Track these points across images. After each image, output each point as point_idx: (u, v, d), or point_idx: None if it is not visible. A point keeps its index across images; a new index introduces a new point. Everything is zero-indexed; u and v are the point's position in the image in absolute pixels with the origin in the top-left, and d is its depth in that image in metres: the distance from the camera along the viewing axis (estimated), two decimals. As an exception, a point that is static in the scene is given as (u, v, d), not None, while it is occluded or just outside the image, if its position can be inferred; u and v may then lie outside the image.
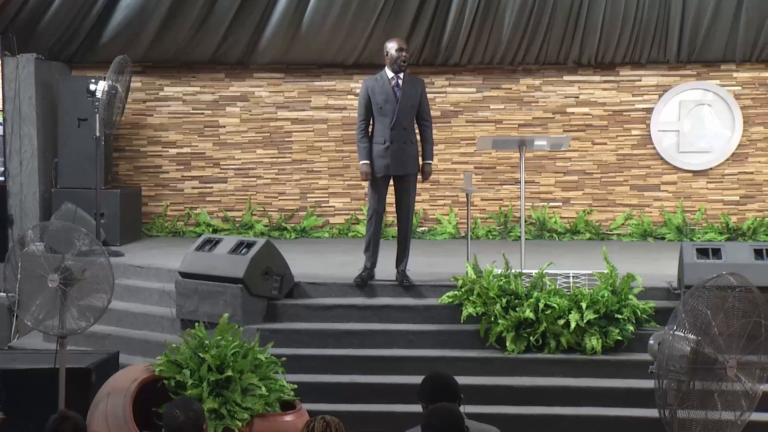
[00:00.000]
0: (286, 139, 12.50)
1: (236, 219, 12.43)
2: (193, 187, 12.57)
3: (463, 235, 11.52)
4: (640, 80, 12.18)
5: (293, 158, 12.50)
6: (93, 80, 10.45)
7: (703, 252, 8.27)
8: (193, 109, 12.55)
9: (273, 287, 8.65)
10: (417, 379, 5.40)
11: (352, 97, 12.44)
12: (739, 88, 12.06)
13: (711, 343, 5.23)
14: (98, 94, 10.36)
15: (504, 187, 12.23)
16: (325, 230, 12.38)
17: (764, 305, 5.07)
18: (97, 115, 10.46)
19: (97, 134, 10.56)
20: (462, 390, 5.23)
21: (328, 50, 12.15)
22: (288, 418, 6.82)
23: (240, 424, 6.67)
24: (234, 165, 12.54)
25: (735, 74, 12.06)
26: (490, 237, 12.08)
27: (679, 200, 12.10)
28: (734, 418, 4.93)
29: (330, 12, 11.77)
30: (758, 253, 8.09)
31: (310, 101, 12.49)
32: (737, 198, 12.10)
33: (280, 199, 12.54)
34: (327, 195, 12.52)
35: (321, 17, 11.80)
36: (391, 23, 11.85)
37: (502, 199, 12.27)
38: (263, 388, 6.83)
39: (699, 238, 11.67)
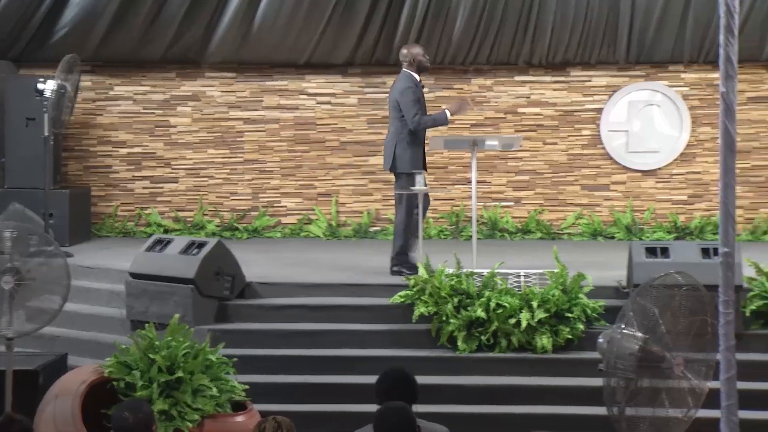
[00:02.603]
0: (238, 139, 12.45)
1: (187, 219, 12.37)
2: (144, 187, 12.48)
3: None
4: (590, 81, 12.29)
5: (245, 158, 12.45)
6: (41, 79, 10.34)
7: (651, 251, 8.34)
8: (143, 109, 12.46)
9: (224, 287, 8.61)
10: (369, 379, 5.40)
11: (305, 96, 12.43)
12: (687, 88, 12.20)
13: (659, 341, 5.29)
14: (47, 94, 10.25)
15: (456, 186, 12.28)
16: (277, 230, 12.35)
17: (711, 303, 5.13)
18: (46, 115, 10.35)
19: (46, 134, 10.45)
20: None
21: (280, 49, 12.12)
22: (239, 418, 6.80)
23: (190, 425, 6.64)
24: (185, 165, 12.46)
25: (683, 75, 12.20)
26: (442, 237, 12.12)
27: (628, 200, 12.22)
28: (681, 415, 4.99)
29: (282, 11, 11.75)
30: (705, 252, 8.18)
31: (262, 101, 12.46)
32: (685, 197, 12.25)
33: (231, 199, 12.49)
34: (279, 195, 12.49)
35: (273, 16, 11.77)
36: (344, 22, 11.85)
37: (453, 199, 12.31)
38: (214, 389, 6.80)
39: (648, 237, 11.79)
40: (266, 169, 12.46)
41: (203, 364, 6.94)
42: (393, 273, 9.05)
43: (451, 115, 9.19)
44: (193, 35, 12.00)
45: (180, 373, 6.79)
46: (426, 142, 9.27)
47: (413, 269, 8.75)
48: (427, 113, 9.18)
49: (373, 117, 12.40)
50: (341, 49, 12.10)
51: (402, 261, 9.07)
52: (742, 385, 4.79)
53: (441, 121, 9.19)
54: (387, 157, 9.19)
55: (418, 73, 9.16)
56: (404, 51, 9.26)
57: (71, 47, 11.42)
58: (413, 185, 8.95)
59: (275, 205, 12.48)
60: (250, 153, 12.44)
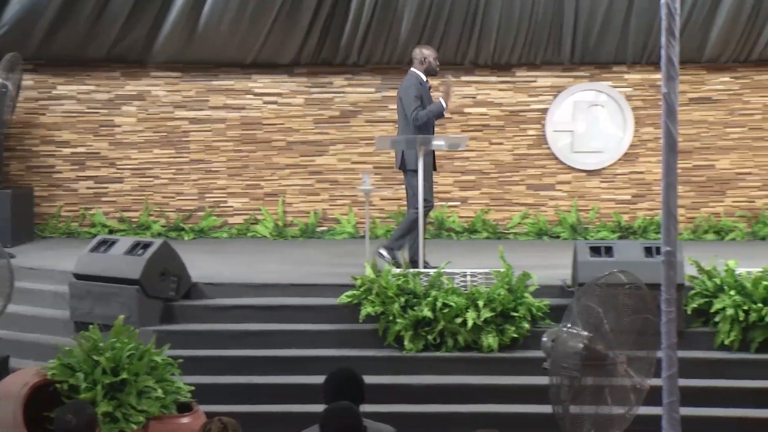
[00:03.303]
0: (184, 139, 12.37)
1: (133, 219, 12.27)
2: (88, 188, 12.35)
3: (362, 234, 11.55)
4: (535, 81, 12.37)
5: (191, 158, 12.38)
6: (-18, 78, 10.20)
7: (595, 250, 8.43)
8: (87, 108, 12.33)
9: (170, 288, 8.56)
10: (316, 379, 5.40)
11: (251, 96, 12.38)
12: (630, 89, 12.34)
13: (602, 339, 5.35)
14: (-12, 93, 10.12)
15: (403, 186, 12.27)
16: (224, 230, 12.29)
17: (652, 302, 5.20)
18: (-13, 114, 10.22)
19: (-13, 133, 10.31)
20: (360, 389, 5.25)
21: (225, 49, 12.06)
22: (184, 420, 6.76)
23: (135, 426, 6.59)
24: (130, 165, 12.36)
25: (626, 76, 12.33)
26: (389, 236, 12.11)
27: (573, 199, 12.33)
28: (623, 412, 5.05)
29: (227, 10, 11.69)
30: (648, 251, 8.28)
31: (208, 101, 12.39)
32: (629, 197, 12.38)
33: (177, 199, 12.41)
34: (225, 195, 12.43)
35: (218, 16, 11.71)
36: (290, 22, 11.81)
37: (400, 199, 12.32)
38: (159, 391, 6.75)
39: (592, 236, 11.90)
40: (212, 169, 12.40)
41: (148, 365, 6.89)
42: (378, 254, 9.06)
43: (445, 102, 9.20)
44: (138, 34, 11.89)
45: (124, 375, 6.73)
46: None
47: (394, 259, 8.90)
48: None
49: (320, 117, 12.39)
50: (287, 48, 12.07)
51: (392, 253, 9.07)
52: (683, 382, 4.86)
53: (437, 110, 9.23)
54: (397, 156, 9.29)
55: (426, 74, 9.27)
56: (417, 50, 9.40)
57: (12, 46, 11.27)
58: (414, 183, 9.01)
59: (222, 205, 12.42)
60: (196, 153, 12.37)
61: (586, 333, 5.43)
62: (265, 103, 12.41)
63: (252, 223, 12.36)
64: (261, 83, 12.39)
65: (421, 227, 8.92)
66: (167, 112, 12.36)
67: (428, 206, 9.26)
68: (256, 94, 12.41)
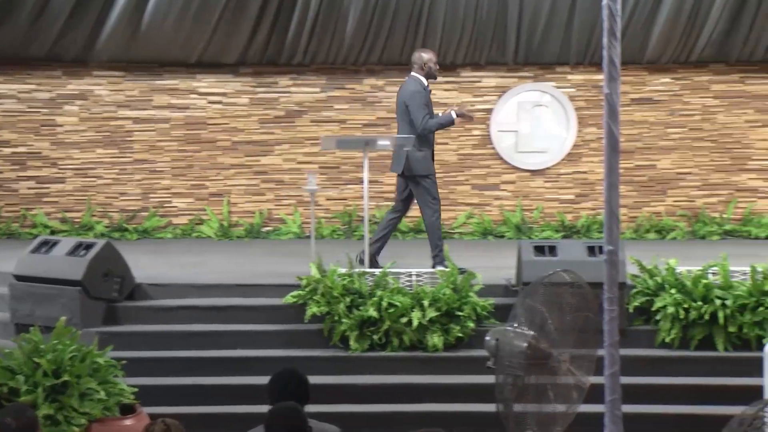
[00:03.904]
0: (127, 139, 12.26)
1: (75, 220, 12.13)
2: (29, 188, 12.20)
3: (308, 234, 11.53)
4: (480, 81, 12.44)
5: (135, 158, 12.27)
6: None
7: (540, 250, 8.48)
8: (28, 108, 12.18)
9: (113, 289, 8.48)
10: (261, 380, 5.38)
11: (196, 96, 12.31)
12: (574, 90, 12.45)
13: (547, 338, 5.40)
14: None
15: (348, 186, 12.31)
16: (168, 231, 12.20)
17: (593, 300, 5.25)
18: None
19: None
20: (306, 389, 5.24)
21: (170, 48, 11.97)
22: (127, 422, 6.71)
23: (76, 429, 6.53)
24: (72, 165, 12.22)
25: (569, 76, 12.44)
26: (335, 236, 12.13)
27: (517, 199, 12.41)
28: (565, 410, 5.10)
29: (171, 9, 11.60)
30: (591, 251, 8.35)
31: (152, 100, 12.29)
32: (572, 197, 12.49)
33: (121, 200, 12.29)
34: (170, 195, 12.34)
35: (162, 14, 11.62)
36: (235, 21, 11.76)
37: (346, 199, 12.34)
38: (102, 393, 6.69)
39: (537, 236, 11.98)
40: (156, 169, 12.30)
41: (90, 367, 6.82)
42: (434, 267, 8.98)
43: (457, 115, 9.18)
44: (80, 33, 11.76)
45: (66, 377, 6.66)
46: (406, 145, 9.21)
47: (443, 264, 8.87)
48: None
49: (265, 117, 12.35)
50: (232, 48, 12.01)
51: (441, 258, 9.01)
52: (625, 379, 4.91)
53: (447, 122, 9.21)
54: (397, 161, 9.19)
55: (427, 78, 9.18)
56: (417, 54, 9.28)
57: (-48, 44, 11.11)
58: (425, 186, 9.04)
59: (166, 205, 12.33)
60: (139, 153, 12.26)
61: (530, 332, 5.47)
62: (209, 102, 12.34)
63: (197, 224, 12.28)
64: (206, 83, 12.32)
65: (367, 227, 8.93)
66: (110, 111, 12.24)
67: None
68: (200, 94, 12.33)
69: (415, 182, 9.15)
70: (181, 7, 11.59)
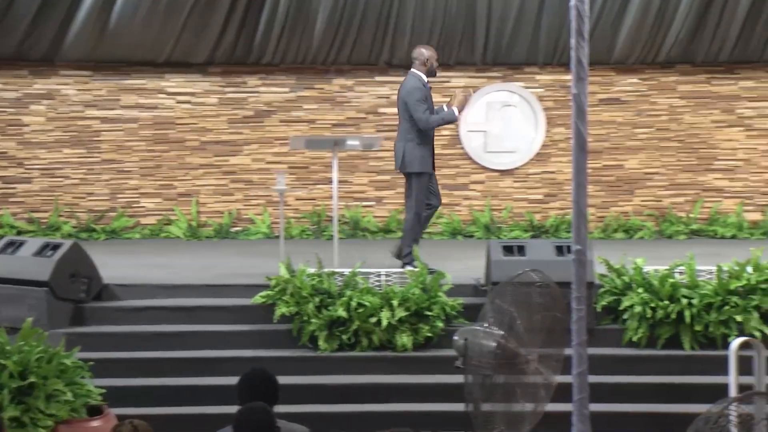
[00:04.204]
0: (95, 139, 12.19)
1: (42, 220, 12.04)
2: (-4, 188, 12.12)
3: (277, 235, 11.51)
4: (449, 81, 12.45)
5: (102, 158, 12.20)
6: None
7: (508, 249, 8.51)
8: (-6, 107, 12.10)
9: (80, 290, 8.42)
10: (230, 380, 5.37)
11: (164, 95, 12.26)
12: (542, 90, 12.50)
13: (515, 337, 5.42)
14: None
15: (317, 186, 12.29)
16: (136, 231, 12.14)
17: (560, 300, 5.28)
18: None
19: None
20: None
21: (138, 48, 11.91)
22: (94, 423, 6.68)
23: (43, 431, 6.47)
24: (39, 165, 12.14)
25: (538, 77, 12.49)
26: (304, 236, 12.12)
27: (486, 199, 12.44)
28: (533, 409, 5.12)
29: (139, 8, 11.55)
30: (559, 250, 8.39)
31: (120, 100, 12.22)
32: (541, 197, 12.54)
33: (88, 200, 12.22)
34: (138, 195, 12.28)
35: (130, 14, 11.56)
36: (203, 21, 11.72)
37: (315, 199, 12.32)
38: (69, 394, 6.65)
39: (505, 235, 12.01)
40: (124, 169, 12.24)
41: (57, 368, 6.78)
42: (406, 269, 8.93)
43: (459, 112, 9.15)
44: (47, 32, 11.68)
45: (33, 378, 6.61)
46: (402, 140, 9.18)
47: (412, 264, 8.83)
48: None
49: (234, 117, 12.31)
50: (201, 47, 11.97)
51: (410, 258, 8.96)
52: (593, 378, 4.94)
53: (450, 118, 9.19)
54: (397, 158, 9.15)
55: (427, 75, 9.14)
56: (418, 51, 9.22)
57: None
58: (424, 184, 8.99)
59: (134, 205, 12.27)
60: (107, 153, 12.20)
61: (499, 332, 5.49)
62: (178, 102, 12.29)
63: (165, 224, 12.23)
64: (174, 82, 12.27)
65: (336, 227, 8.93)
66: (77, 111, 12.17)
67: (433, 208, 9.22)
68: (169, 94, 12.28)
69: (409, 179, 9.15)
70: (149, 7, 11.53)
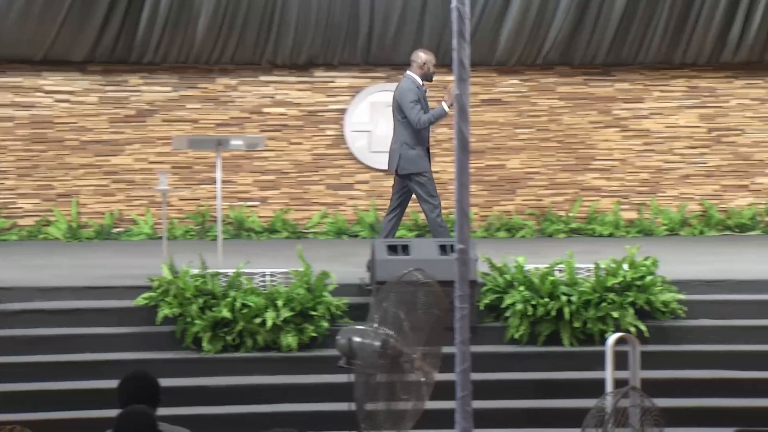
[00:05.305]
0: (-31, 138, 11.87)
1: None
2: None
3: (160, 235, 11.36)
4: (333, 81, 12.48)
5: (-23, 158, 11.89)
6: None
7: (393, 249, 8.57)
8: None
9: (-45, 294, 8.19)
10: (112, 384, 5.29)
11: (41, 94, 12.00)
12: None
13: (400, 336, 5.47)
14: None
15: (201, 186, 12.18)
16: (13, 233, 11.84)
17: (442, 298, 5.35)
18: None
19: None
20: (157, 392, 5.18)
21: (14, 45, 11.63)
22: (-29, 431, 6.47)
23: None
24: None
25: (421, 78, 12.59)
26: (188, 237, 11.99)
27: (371, 199, 12.50)
28: (414, 407, 5.18)
29: (15, 4, 11.27)
30: (443, 249, 8.48)
31: (-6, 98, 11.93)
32: (425, 196, 12.64)
33: (-39, 201, 11.89)
34: (15, 196, 11.99)
35: (4, 9, 11.28)
36: (82, 18, 11.50)
37: (199, 199, 12.21)
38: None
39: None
40: (0, 169, 11.93)
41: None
42: None
43: (449, 106, 9.08)
44: None
45: None
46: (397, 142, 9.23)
47: None
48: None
49: (115, 116, 12.12)
50: (80, 45, 11.74)
51: None
52: (476, 376, 5.02)
53: (440, 115, 9.19)
54: (392, 159, 9.21)
55: (423, 79, 9.22)
56: (416, 54, 9.28)
57: None
58: (420, 183, 9.05)
59: (10, 206, 11.96)
60: (-18, 152, 11.89)
61: (384, 331, 5.54)
62: (56, 101, 12.03)
63: (44, 225, 11.96)
64: (52, 81, 12.01)
65: (220, 228, 8.86)
66: (-50, 109, 11.83)
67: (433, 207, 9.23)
68: (46, 92, 12.01)
69: (410, 180, 9.21)
70: (26, 2, 11.27)
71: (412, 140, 9.20)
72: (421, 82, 9.29)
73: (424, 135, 9.31)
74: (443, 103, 9.19)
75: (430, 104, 9.42)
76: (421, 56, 9.31)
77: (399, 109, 9.24)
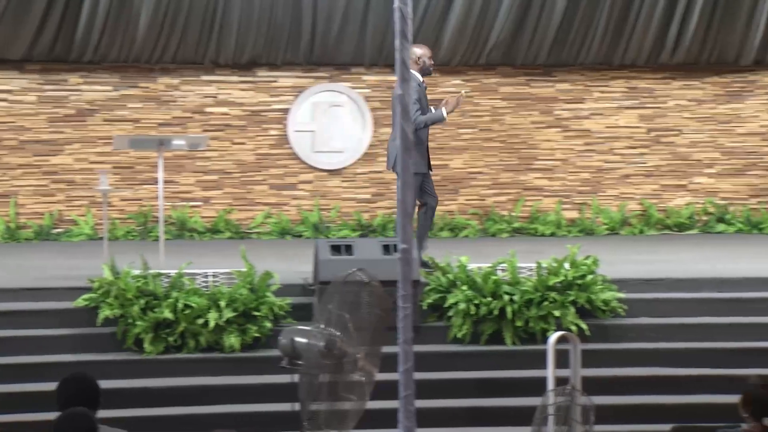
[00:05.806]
0: None
1: None
2: None
3: (101, 236, 11.25)
4: (276, 81, 12.45)
5: None
6: None
7: (336, 248, 8.55)
8: None
9: None
10: (51, 386, 5.22)
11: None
12: (369, 90, 12.63)
13: (342, 336, 5.48)
14: None
15: (143, 186, 12.08)
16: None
17: (384, 298, 5.36)
18: None
19: None
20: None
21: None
22: None
23: None
24: None
25: (364, 77, 12.61)
26: (130, 237, 11.88)
27: (315, 199, 12.49)
28: (356, 407, 5.18)
29: (-50, 1, 11.10)
30: (386, 249, 8.49)
31: (-71, 97, 11.73)
32: (369, 196, 12.67)
33: None
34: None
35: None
36: (20, 16, 11.35)
37: (141, 199, 12.11)
38: None
39: (334, 235, 12.09)
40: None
41: None
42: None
43: (448, 112, 9.01)
44: None
45: None
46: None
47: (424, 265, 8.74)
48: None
49: (55, 115, 11.97)
50: (17, 43, 11.59)
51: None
52: (419, 375, 5.02)
53: (437, 119, 9.13)
54: (390, 158, 9.05)
55: (422, 74, 9.04)
56: (412, 49, 8.84)
57: None
58: (417, 184, 8.90)
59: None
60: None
61: (328, 331, 5.53)
62: (-6, 100, 11.88)
63: (-11, 226, 11.79)
64: (-11, 79, 11.85)
65: (162, 228, 8.80)
66: None
67: (430, 207, 9.17)
68: (-10, 92, 11.86)
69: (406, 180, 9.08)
70: (-38, 0, 11.11)
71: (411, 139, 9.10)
72: (421, 79, 9.13)
73: (422, 134, 9.18)
74: (442, 108, 9.13)
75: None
76: (416, 51, 9.05)
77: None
